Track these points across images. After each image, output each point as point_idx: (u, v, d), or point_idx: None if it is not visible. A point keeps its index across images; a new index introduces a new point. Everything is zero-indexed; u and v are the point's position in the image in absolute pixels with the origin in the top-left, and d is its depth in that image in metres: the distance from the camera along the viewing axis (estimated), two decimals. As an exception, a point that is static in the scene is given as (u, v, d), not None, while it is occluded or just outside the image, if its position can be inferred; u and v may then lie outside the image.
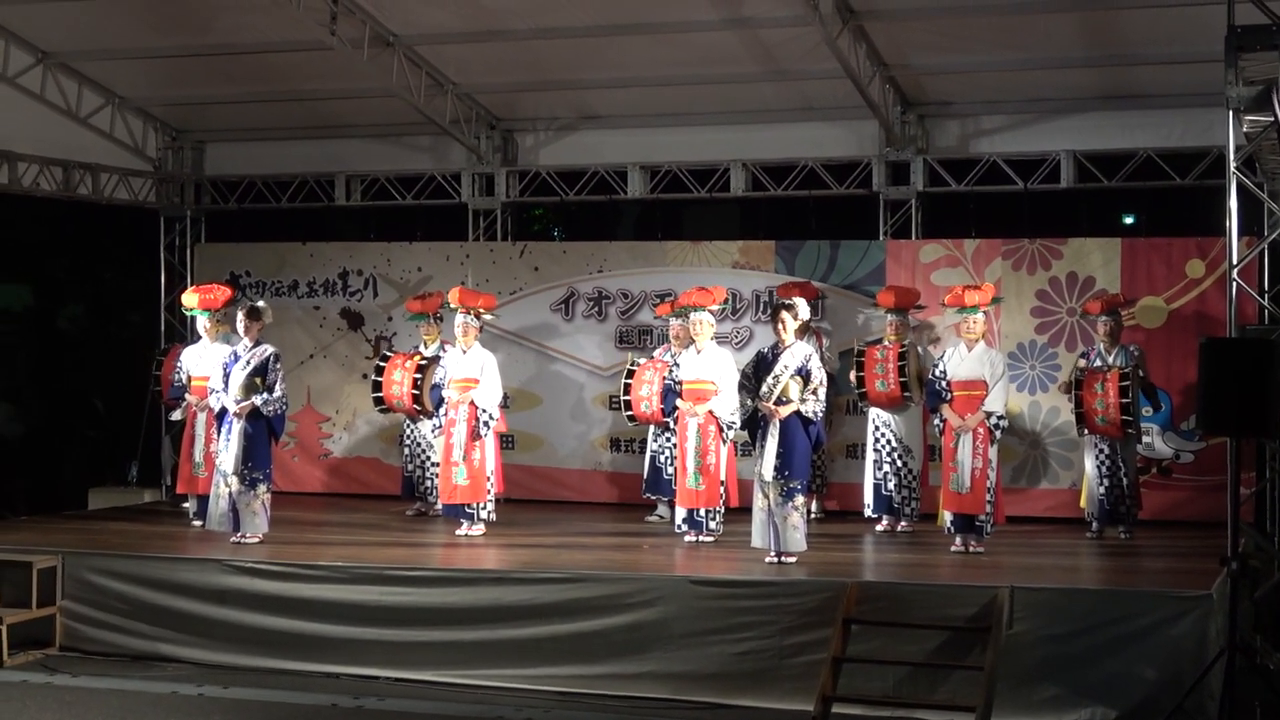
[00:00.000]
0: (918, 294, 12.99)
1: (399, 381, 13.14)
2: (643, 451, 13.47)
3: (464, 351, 12.26)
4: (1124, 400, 11.64)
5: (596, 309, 14.53)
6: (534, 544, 11.86)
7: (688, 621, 9.78)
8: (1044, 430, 13.26)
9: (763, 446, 10.59)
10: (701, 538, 11.57)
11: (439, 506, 12.63)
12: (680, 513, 11.77)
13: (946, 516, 11.31)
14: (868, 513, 12.47)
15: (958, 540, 11.21)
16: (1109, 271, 13.15)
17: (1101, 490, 12.02)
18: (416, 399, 13.04)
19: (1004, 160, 13.79)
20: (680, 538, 11.69)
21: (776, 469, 10.49)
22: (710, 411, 11.59)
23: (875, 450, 12.42)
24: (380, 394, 13.30)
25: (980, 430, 11.15)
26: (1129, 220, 16.63)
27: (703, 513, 11.60)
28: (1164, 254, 13.13)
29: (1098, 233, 13.77)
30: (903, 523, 12.32)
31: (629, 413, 12.70)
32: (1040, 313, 13.34)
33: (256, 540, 11.51)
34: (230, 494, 11.54)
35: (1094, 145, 13.53)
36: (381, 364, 13.42)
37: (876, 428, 12.43)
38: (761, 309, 13.89)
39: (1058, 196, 13.88)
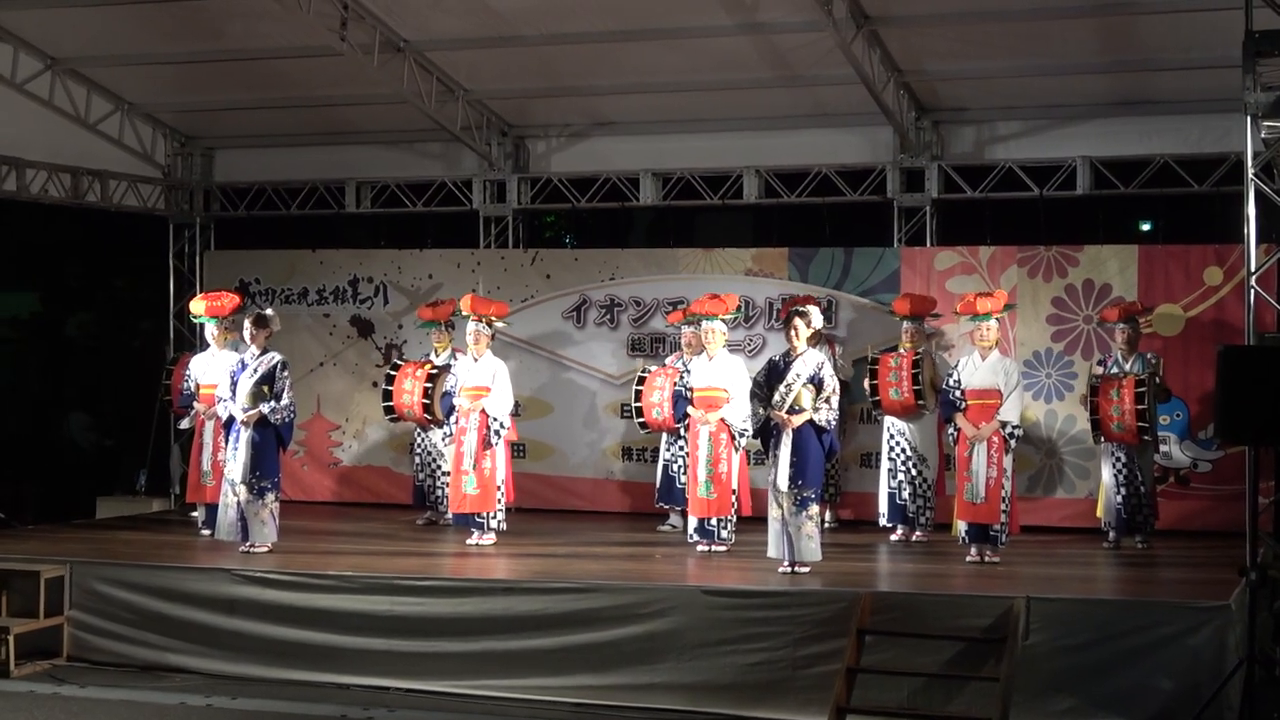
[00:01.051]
0: (934, 302, 12.92)
1: (409, 390, 13.10)
2: (654, 460, 13.41)
3: (475, 359, 12.19)
4: (1140, 407, 11.55)
5: (609, 316, 14.46)
6: (545, 553, 11.80)
7: (700, 632, 9.70)
8: (1060, 439, 13.17)
9: (776, 456, 10.53)
10: (714, 547, 11.48)
11: (449, 516, 12.56)
12: (692, 522, 11.69)
13: (961, 526, 11.23)
14: (882, 522, 12.39)
15: (973, 550, 11.14)
16: (1126, 279, 13.07)
17: (1119, 499, 11.92)
18: (427, 408, 12.99)
19: (1019, 167, 13.70)
20: (692, 547, 11.61)
21: (790, 478, 10.43)
22: (722, 419, 11.51)
23: (890, 459, 12.33)
24: (390, 403, 13.25)
25: (995, 439, 11.08)
26: (1146, 227, 16.57)
27: (714, 522, 11.50)
28: (1181, 261, 13.05)
29: (1114, 240, 13.65)
30: (917, 532, 12.24)
31: (640, 420, 12.61)
32: (1056, 320, 13.26)
33: (265, 549, 11.45)
34: (239, 503, 11.49)
35: (1110, 151, 13.44)
36: (392, 372, 13.37)
37: (891, 436, 12.34)
38: (774, 316, 13.81)
39: (1074, 203, 13.77)
